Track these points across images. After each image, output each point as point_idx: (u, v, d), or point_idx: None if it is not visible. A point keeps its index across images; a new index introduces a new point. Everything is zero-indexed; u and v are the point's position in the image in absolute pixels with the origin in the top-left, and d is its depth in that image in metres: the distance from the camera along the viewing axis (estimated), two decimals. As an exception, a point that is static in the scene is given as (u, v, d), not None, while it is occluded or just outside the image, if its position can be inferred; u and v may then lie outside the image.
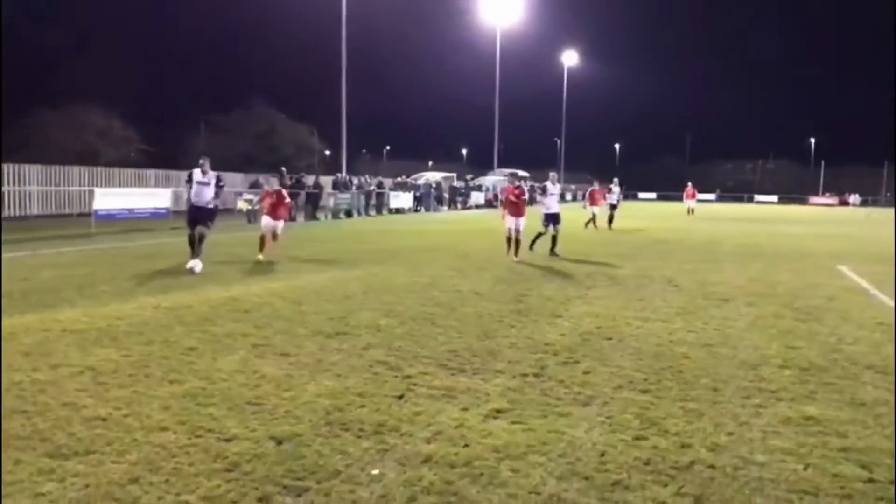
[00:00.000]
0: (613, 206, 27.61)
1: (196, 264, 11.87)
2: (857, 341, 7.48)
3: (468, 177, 55.89)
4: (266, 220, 14.46)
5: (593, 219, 25.90)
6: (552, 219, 16.57)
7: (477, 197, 50.70)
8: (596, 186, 27.51)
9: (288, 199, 14.75)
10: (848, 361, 6.62)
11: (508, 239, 15.42)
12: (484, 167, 68.20)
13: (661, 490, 3.77)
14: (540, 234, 16.57)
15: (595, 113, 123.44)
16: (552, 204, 16.76)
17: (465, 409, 5.06)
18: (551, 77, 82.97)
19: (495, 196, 52.97)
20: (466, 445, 4.36)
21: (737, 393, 5.58)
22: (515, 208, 15.46)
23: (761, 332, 7.94)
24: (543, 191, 17.15)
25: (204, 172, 12.87)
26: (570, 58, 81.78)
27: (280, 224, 14.55)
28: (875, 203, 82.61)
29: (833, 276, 13.17)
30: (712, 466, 4.10)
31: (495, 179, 57.16)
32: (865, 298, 10.58)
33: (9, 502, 3.53)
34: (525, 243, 15.76)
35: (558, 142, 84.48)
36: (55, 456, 4.10)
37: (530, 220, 16.11)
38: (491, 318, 8.47)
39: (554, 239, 16.37)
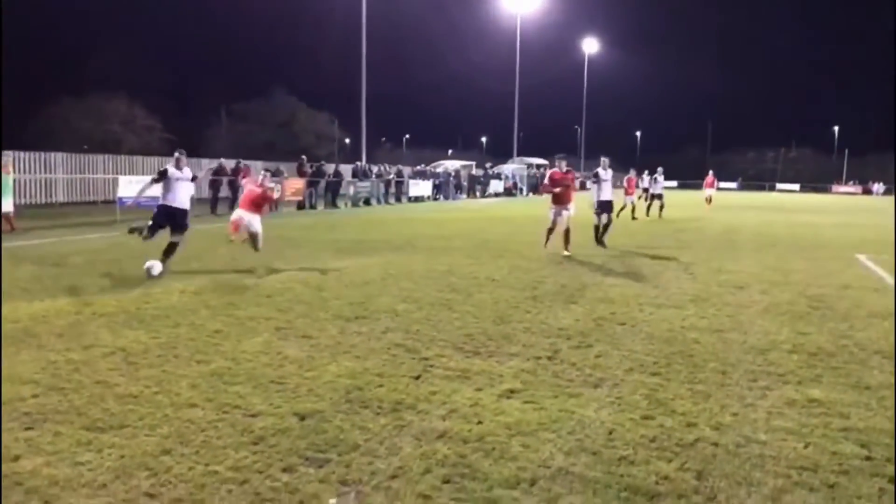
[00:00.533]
0: (660, 196, 27.22)
1: (154, 266, 10.18)
2: (867, 328, 7.60)
3: (487, 165, 55.96)
4: (239, 213, 11.79)
5: (632, 208, 25.63)
6: (605, 207, 15.96)
7: (496, 185, 50.74)
8: (632, 175, 27.20)
9: (273, 199, 12.50)
10: (857, 347, 6.74)
11: (550, 231, 14.13)
12: (503, 155, 68.29)
13: (664, 465, 3.95)
14: (597, 226, 15.86)
15: (616, 101, 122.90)
16: (605, 191, 16.13)
17: (479, 390, 5.26)
18: (571, 65, 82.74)
19: (514, 185, 53.07)
20: (480, 423, 4.56)
21: (744, 376, 5.73)
22: (565, 196, 14.07)
23: (773, 318, 8.07)
24: (596, 177, 16.28)
25: (180, 168, 11.08)
26: (590, 45, 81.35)
27: (256, 220, 11.69)
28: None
29: (850, 265, 13.22)
30: (716, 444, 4.28)
31: (515, 167, 57.21)
32: (880, 287, 10.65)
33: (51, 471, 3.78)
34: (574, 235, 14.28)
35: (578, 130, 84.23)
36: (91, 429, 4.35)
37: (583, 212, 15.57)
38: (506, 303, 8.66)
39: (606, 228, 15.85)
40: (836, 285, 10.56)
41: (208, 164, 32.71)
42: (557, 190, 14.01)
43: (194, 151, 41.52)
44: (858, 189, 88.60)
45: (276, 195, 12.52)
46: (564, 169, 14.42)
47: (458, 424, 4.52)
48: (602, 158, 16.51)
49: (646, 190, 28.27)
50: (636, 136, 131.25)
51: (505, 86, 65.23)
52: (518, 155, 64.36)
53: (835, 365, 6.10)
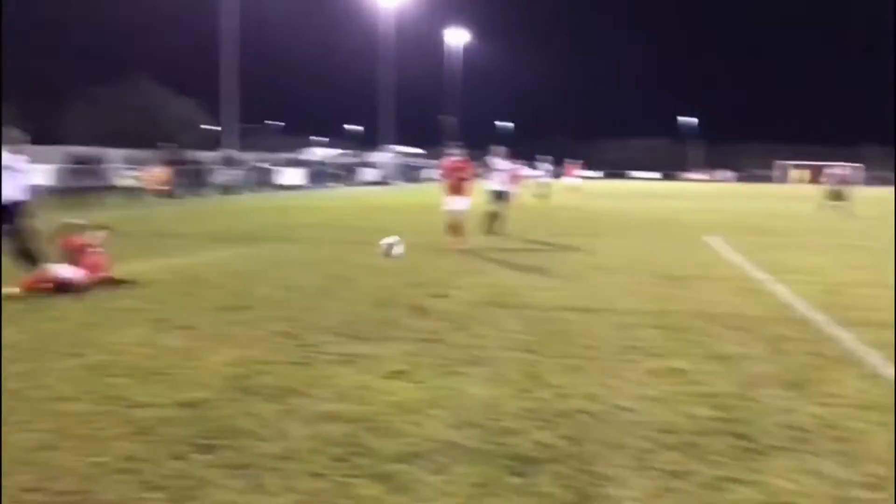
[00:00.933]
0: (547, 185, 27.80)
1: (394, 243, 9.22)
2: (718, 304, 8.26)
3: (360, 153, 55.78)
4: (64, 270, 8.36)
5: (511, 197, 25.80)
6: (498, 196, 16.04)
7: (369, 174, 50.71)
8: (516, 164, 27.52)
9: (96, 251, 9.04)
10: (710, 321, 7.33)
11: (451, 226, 13.27)
12: (376, 144, 68.18)
13: (543, 433, 4.22)
14: (490, 214, 15.94)
15: (486, 90, 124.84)
16: (498, 181, 16.23)
17: (365, 373, 5.38)
18: (444, 55, 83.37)
19: (387, 174, 53.21)
20: (368, 403, 4.69)
21: (612, 350, 6.14)
22: (459, 187, 13.35)
23: (637, 297, 8.63)
24: (488, 167, 16.39)
25: (13, 154, 8.49)
26: (460, 36, 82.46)
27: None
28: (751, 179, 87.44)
29: (702, 247, 14.23)
30: (588, 413, 4.60)
31: (387, 156, 57.32)
32: (729, 266, 11.55)
33: (-80, 472, 3.61)
34: (470, 228, 13.85)
35: (448, 120, 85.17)
36: (-38, 428, 4.16)
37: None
38: (387, 289, 8.80)
39: (496, 217, 15.91)
40: (691, 265, 11.37)
41: (65, 151, 31.02)
42: (449, 181, 13.48)
43: (50, 138, 39.15)
44: (709, 176, 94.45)
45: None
46: (457, 159, 13.75)
47: (347, 406, 4.63)
48: (495, 148, 16.65)
49: (525, 178, 29.11)
50: (506, 126, 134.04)
51: (379, 74, 65.15)
52: (390, 143, 64.51)
53: (691, 338, 6.62)
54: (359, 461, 3.80)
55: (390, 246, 9.24)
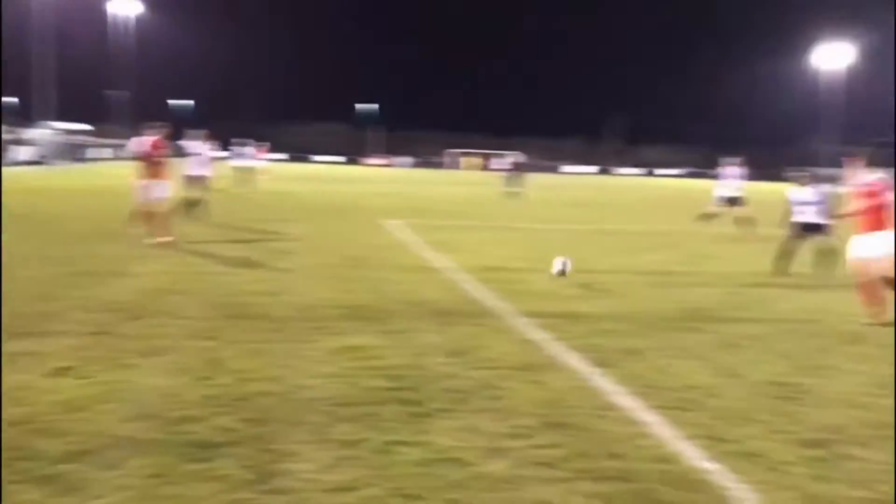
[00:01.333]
0: (250, 169, 27.01)
1: None
2: (396, 283, 8.81)
3: (12, 129, 49.42)
4: None
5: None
6: (195, 181, 15.80)
7: (24, 152, 45.21)
8: (213, 147, 26.03)
9: None
10: (385, 299, 7.81)
11: (144, 213, 11.57)
12: (32, 119, 60.93)
13: (224, 418, 4.22)
14: (189, 200, 15.39)
15: (163, 66, 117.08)
16: (194, 166, 16.05)
17: (25, 372, 4.92)
18: (116, 26, 76.80)
19: (46, 154, 47.89)
20: (30, 404, 4.31)
21: (294, 332, 6.29)
22: (157, 171, 11.74)
23: (318, 279, 8.88)
24: (182, 151, 16.02)
25: None
26: (132, 6, 76.77)
27: None
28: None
29: (380, 229, 15.00)
30: (271, 394, 4.69)
31: (46, 133, 51.56)
32: (405, 248, 12.32)
33: None
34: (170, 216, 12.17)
35: (118, 95, 78.96)
36: None
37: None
38: (49, 281, 8.06)
39: (195, 202, 15.51)
40: (369, 247, 11.95)
41: None
42: (145, 163, 11.68)
43: None
44: (389, 162, 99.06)
45: None
46: (154, 138, 11.86)
47: (6, 409, 4.21)
48: (190, 131, 16.52)
49: (221, 161, 28.07)
50: (182, 104, 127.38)
51: (33, 41, 58.18)
52: (50, 119, 58.06)
53: (369, 316, 7.01)
54: (20, 465, 3.51)
55: (564, 265, 9.34)
